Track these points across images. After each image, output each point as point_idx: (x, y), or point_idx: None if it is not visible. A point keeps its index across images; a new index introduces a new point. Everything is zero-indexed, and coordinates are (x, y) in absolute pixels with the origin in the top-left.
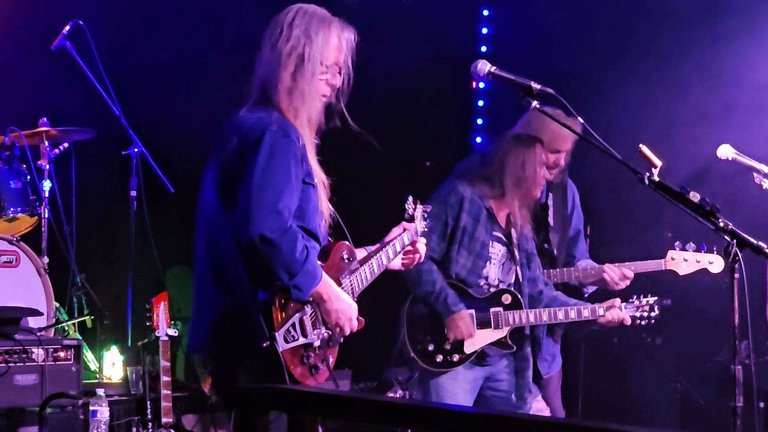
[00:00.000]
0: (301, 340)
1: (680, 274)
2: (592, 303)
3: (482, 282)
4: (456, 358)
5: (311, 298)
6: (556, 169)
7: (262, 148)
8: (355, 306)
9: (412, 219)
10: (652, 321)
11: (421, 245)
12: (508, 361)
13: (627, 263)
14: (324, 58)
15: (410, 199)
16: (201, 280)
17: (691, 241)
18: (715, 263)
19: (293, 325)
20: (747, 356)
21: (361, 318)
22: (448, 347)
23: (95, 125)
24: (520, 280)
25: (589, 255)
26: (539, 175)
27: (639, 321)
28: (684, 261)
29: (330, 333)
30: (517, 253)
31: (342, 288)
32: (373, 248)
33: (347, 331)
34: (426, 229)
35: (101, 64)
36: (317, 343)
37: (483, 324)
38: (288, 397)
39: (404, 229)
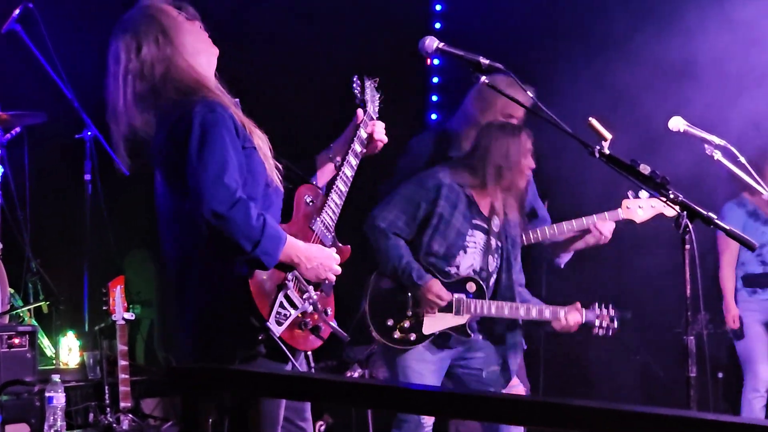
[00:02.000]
0: (294, 314)
1: (637, 222)
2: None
3: (453, 270)
4: (413, 337)
5: (284, 264)
6: None
7: (193, 129)
8: (329, 252)
9: (364, 104)
10: (610, 332)
11: (380, 129)
12: (484, 343)
13: (584, 218)
14: (177, 20)
15: (355, 79)
16: (177, 283)
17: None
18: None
19: (281, 304)
20: (704, 326)
21: (346, 246)
22: (406, 325)
23: (47, 109)
24: (502, 268)
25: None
26: (524, 166)
27: (597, 330)
28: (639, 208)
29: (319, 293)
30: (496, 241)
31: (315, 233)
32: (333, 146)
33: (333, 279)
34: (380, 105)
35: (52, 47)
36: (310, 309)
37: (444, 308)
38: (231, 378)
39: (358, 123)
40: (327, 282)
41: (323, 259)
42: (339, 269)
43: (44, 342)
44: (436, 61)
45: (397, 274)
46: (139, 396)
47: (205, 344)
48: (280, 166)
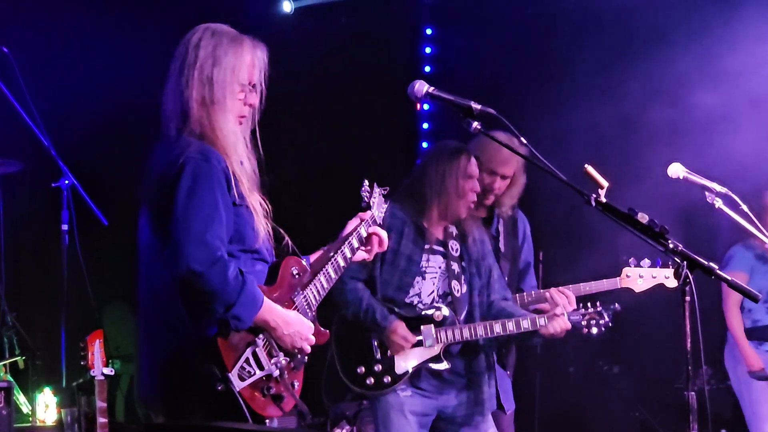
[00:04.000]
0: (258, 374)
1: (636, 291)
2: None
3: (415, 299)
4: (387, 379)
5: (258, 327)
6: (491, 194)
7: (184, 176)
8: (309, 324)
9: (369, 207)
10: (603, 329)
11: (382, 232)
12: (467, 395)
13: (581, 284)
14: (238, 77)
15: (365, 183)
16: (146, 323)
17: (645, 257)
18: (671, 278)
19: (247, 360)
20: (707, 381)
21: (325, 330)
22: (378, 369)
23: (23, 157)
24: (471, 290)
25: (543, 280)
26: (463, 189)
27: (586, 329)
28: (639, 277)
29: (289, 359)
30: (458, 265)
31: (295, 306)
32: (329, 247)
33: (308, 351)
34: (384, 213)
35: (28, 93)
36: (276, 373)
37: (414, 343)
38: None
39: (361, 220)
40: (300, 355)
41: (301, 327)
42: (314, 340)
43: (20, 398)
44: (426, 107)
45: (360, 319)
46: None
47: (166, 387)
48: (271, 231)
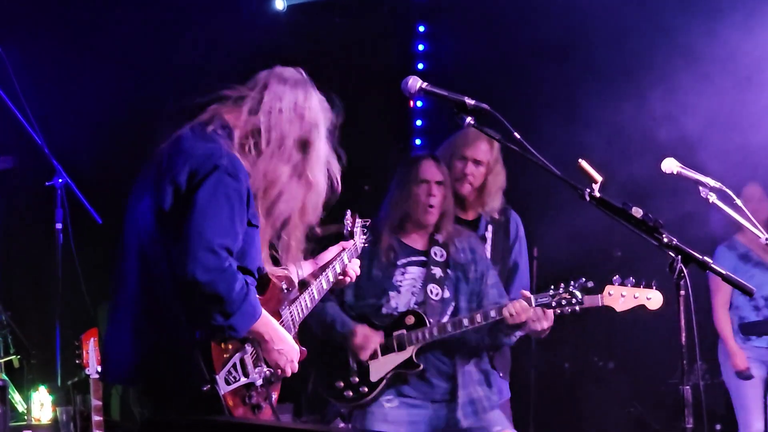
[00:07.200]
0: (243, 380)
1: (617, 310)
2: None
3: (394, 312)
4: (365, 389)
5: (251, 337)
6: (465, 182)
7: (207, 183)
8: (296, 348)
9: (351, 235)
10: (577, 308)
11: (353, 266)
12: (455, 397)
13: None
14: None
15: (348, 214)
16: (129, 309)
17: (631, 276)
18: (653, 299)
19: (234, 365)
20: (701, 376)
21: (303, 348)
22: (355, 380)
23: (16, 155)
24: (457, 294)
25: (537, 277)
26: (416, 195)
27: (558, 309)
28: (621, 296)
29: (272, 370)
30: (440, 270)
31: (282, 320)
32: (318, 258)
33: (288, 373)
34: (366, 244)
35: (21, 91)
36: (259, 382)
37: (387, 349)
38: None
39: (342, 248)
40: (280, 372)
41: (290, 349)
42: (297, 367)
43: (15, 397)
44: (419, 103)
45: (326, 331)
46: None
47: (151, 379)
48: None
